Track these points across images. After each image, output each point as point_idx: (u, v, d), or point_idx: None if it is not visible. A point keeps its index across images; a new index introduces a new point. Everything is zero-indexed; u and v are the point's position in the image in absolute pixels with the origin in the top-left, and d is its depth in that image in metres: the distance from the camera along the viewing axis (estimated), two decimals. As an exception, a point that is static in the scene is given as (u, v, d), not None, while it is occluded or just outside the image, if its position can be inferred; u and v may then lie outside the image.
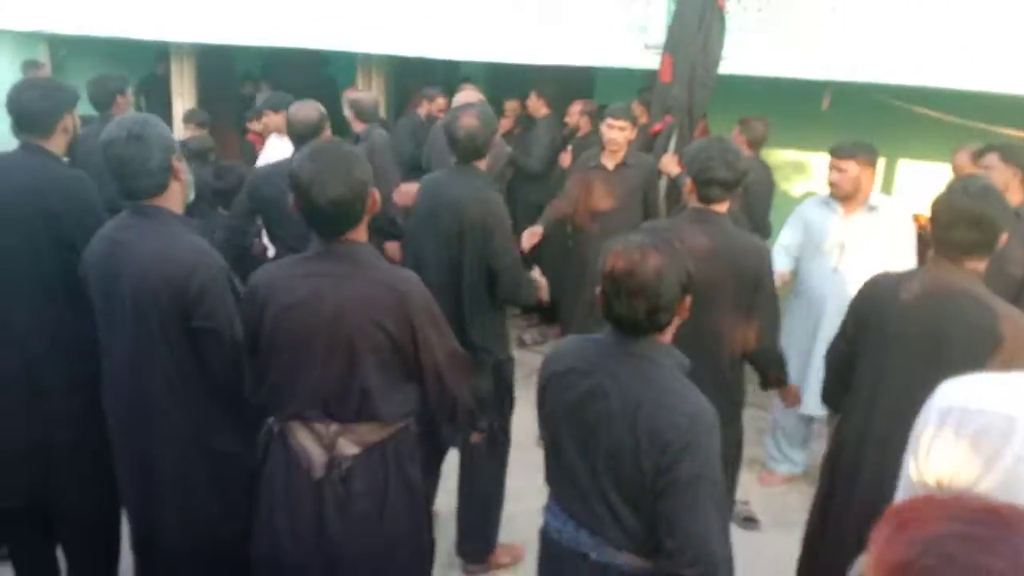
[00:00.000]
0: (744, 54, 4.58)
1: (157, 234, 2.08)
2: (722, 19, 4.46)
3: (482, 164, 2.96)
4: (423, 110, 6.03)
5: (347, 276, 1.87)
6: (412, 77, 7.27)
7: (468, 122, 2.85)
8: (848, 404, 2.37)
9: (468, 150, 2.88)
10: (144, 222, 2.11)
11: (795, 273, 3.79)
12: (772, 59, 4.55)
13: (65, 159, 2.67)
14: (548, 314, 5.49)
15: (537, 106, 5.60)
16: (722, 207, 2.61)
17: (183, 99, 6.94)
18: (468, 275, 2.88)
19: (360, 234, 1.93)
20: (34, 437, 2.42)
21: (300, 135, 3.44)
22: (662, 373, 1.66)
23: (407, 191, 3.76)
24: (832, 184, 3.49)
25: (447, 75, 7.01)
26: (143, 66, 8.00)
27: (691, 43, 4.43)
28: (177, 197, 2.19)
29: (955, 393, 1.04)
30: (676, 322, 1.71)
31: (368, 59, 6.32)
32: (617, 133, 4.18)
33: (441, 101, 5.88)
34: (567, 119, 5.68)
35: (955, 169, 3.54)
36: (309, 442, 1.91)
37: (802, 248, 3.71)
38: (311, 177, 1.81)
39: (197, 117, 5.64)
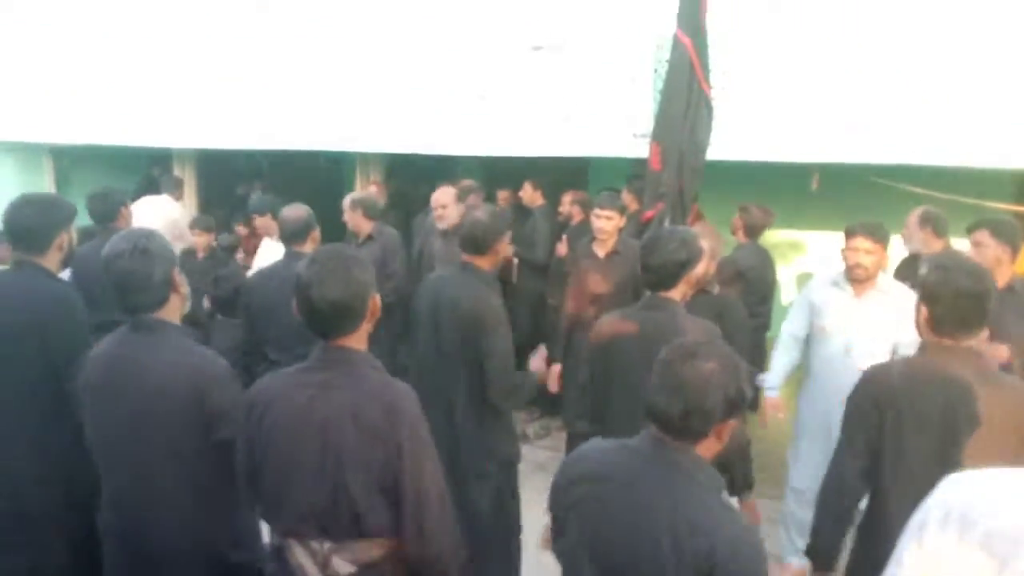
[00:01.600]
0: (731, 139, 4.71)
1: (167, 347, 2.09)
2: (708, 105, 4.59)
3: (485, 263, 3.00)
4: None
5: (338, 386, 1.84)
6: (409, 173, 7.45)
7: (476, 216, 2.94)
8: (870, 495, 2.33)
9: (471, 247, 2.95)
10: (148, 336, 2.11)
11: (804, 358, 3.77)
12: (758, 144, 4.67)
13: (61, 273, 2.71)
14: (551, 406, 5.44)
15: (533, 196, 5.74)
16: (671, 293, 2.65)
17: (184, 203, 7.08)
18: (467, 374, 2.89)
19: (359, 340, 1.91)
20: (19, 564, 2.36)
21: (290, 236, 3.51)
22: (697, 489, 1.56)
23: None
24: (857, 266, 3.43)
25: (444, 169, 7.17)
26: (141, 172, 8.20)
27: (678, 130, 4.54)
28: (176, 309, 2.21)
29: (960, 494, 1.02)
30: (714, 444, 1.62)
31: (366, 158, 6.47)
32: (605, 222, 4.31)
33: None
34: (560, 209, 5.79)
35: (905, 229, 3.59)
36: (305, 559, 1.85)
37: (810, 329, 3.67)
38: (311, 279, 1.82)
39: (203, 223, 5.75)
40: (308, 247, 3.47)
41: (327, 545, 1.84)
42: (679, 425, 1.59)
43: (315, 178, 8.15)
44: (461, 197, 5.08)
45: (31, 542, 2.39)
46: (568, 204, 5.72)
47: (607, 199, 4.43)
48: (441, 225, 4.55)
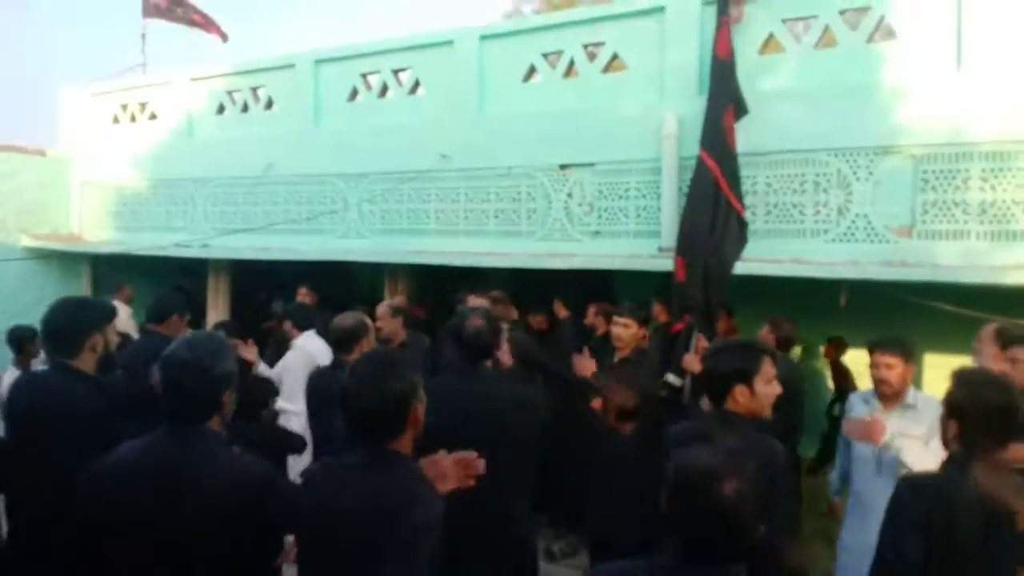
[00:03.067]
0: (758, 254, 4.79)
1: (212, 454, 2.03)
2: (741, 221, 4.69)
3: (489, 364, 3.10)
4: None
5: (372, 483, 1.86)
6: (436, 284, 7.56)
7: (473, 323, 3.02)
8: None
9: (475, 350, 3.02)
10: (185, 444, 2.03)
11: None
12: (784, 260, 4.74)
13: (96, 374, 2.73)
14: (575, 522, 5.29)
15: (559, 309, 5.83)
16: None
17: (217, 310, 7.25)
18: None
19: (403, 445, 1.91)
20: None
21: (336, 343, 3.63)
22: None
23: None
24: (881, 381, 3.45)
25: (471, 281, 7.28)
26: (171, 278, 8.49)
27: (703, 244, 4.64)
28: (216, 424, 2.13)
29: None
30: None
31: (395, 269, 6.63)
32: (622, 330, 4.42)
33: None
34: (585, 320, 5.83)
35: (978, 343, 3.54)
36: None
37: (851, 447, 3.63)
38: (351, 385, 1.87)
39: (227, 328, 5.88)
40: (355, 355, 3.51)
41: None
42: (723, 552, 1.55)
43: (336, 285, 8.32)
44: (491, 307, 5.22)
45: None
46: (592, 316, 5.77)
47: (626, 309, 4.54)
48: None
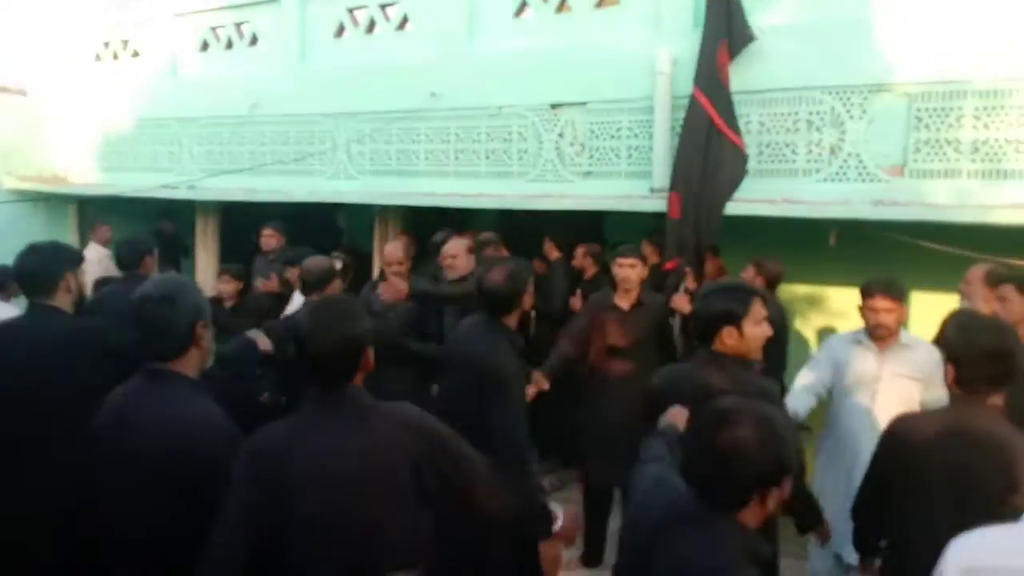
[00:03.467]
0: (749, 194, 4.77)
1: (169, 400, 2.06)
2: (741, 155, 4.65)
3: (511, 319, 3.01)
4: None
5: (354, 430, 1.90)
6: (427, 225, 7.52)
7: (494, 278, 2.95)
8: (888, 545, 2.33)
9: (492, 304, 2.96)
10: (156, 387, 2.10)
11: (828, 413, 3.75)
12: (777, 200, 4.73)
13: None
14: (566, 457, 5.40)
15: (550, 250, 5.78)
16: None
17: (207, 253, 7.22)
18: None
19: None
20: None
21: (311, 285, 3.60)
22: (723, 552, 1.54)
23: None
24: (878, 325, 3.45)
25: (461, 222, 7.25)
26: (156, 220, 8.48)
27: (696, 183, 4.62)
28: (195, 362, 2.18)
29: (979, 550, 1.02)
30: (758, 511, 1.59)
31: (385, 210, 6.58)
32: (629, 271, 4.28)
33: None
34: (573, 262, 5.83)
35: (967, 286, 3.56)
36: None
37: (832, 387, 3.65)
38: (308, 330, 1.92)
39: (232, 271, 5.85)
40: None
41: None
42: (711, 495, 1.60)
43: (327, 229, 8.27)
44: (478, 250, 5.15)
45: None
46: (581, 257, 5.77)
47: (628, 248, 4.42)
48: (451, 275, 4.61)
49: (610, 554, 4.23)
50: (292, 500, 1.80)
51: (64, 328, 2.69)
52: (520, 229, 6.48)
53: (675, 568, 1.57)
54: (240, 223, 7.74)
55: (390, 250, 4.90)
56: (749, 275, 4.52)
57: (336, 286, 3.74)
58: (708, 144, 4.57)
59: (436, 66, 6.12)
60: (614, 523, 4.35)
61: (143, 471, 1.98)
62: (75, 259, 2.88)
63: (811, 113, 4.75)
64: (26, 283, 2.73)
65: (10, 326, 2.77)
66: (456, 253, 4.64)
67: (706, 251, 4.80)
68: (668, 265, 4.66)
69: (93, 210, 8.63)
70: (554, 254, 5.83)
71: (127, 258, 3.97)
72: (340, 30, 6.81)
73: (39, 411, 2.53)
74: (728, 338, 2.46)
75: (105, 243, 7.49)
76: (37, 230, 8.29)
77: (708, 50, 4.72)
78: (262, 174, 7.02)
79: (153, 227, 8.23)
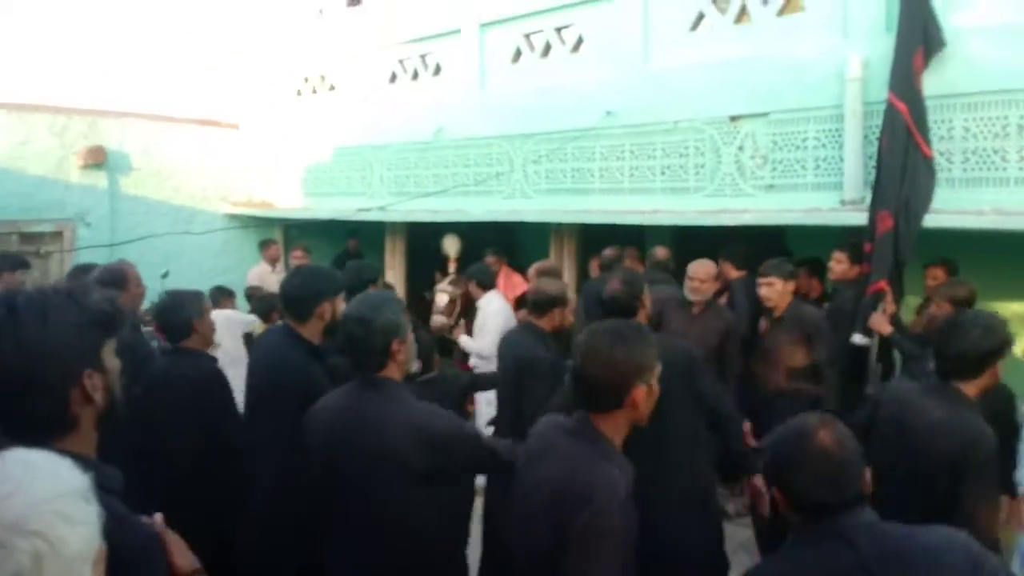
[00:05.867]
0: (955, 205, 4.42)
1: (386, 404, 2.28)
2: (931, 168, 4.35)
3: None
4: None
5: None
6: (600, 242, 7.58)
7: (613, 287, 3.06)
8: None
9: (613, 312, 2.99)
10: (371, 392, 2.31)
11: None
12: (986, 211, 4.34)
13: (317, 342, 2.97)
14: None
15: (727, 270, 5.58)
16: (965, 385, 2.46)
17: (394, 271, 7.68)
18: None
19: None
20: None
21: (538, 304, 3.78)
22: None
23: None
24: None
25: (635, 239, 7.24)
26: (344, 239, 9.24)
27: (896, 195, 4.36)
28: (394, 373, 2.37)
29: None
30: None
31: (560, 228, 6.70)
32: (766, 289, 4.35)
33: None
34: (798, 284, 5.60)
35: None
36: None
37: None
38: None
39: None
40: (545, 321, 3.70)
41: None
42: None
43: (505, 245, 8.54)
44: (603, 264, 5.54)
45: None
46: (806, 279, 5.60)
47: (770, 266, 4.42)
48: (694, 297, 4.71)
49: None
50: None
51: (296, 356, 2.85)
52: (697, 247, 6.37)
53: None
54: (422, 242, 8.19)
55: None
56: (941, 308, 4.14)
57: (564, 312, 3.84)
58: (907, 153, 4.29)
59: (611, 84, 6.17)
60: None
61: (387, 465, 2.19)
62: (336, 286, 2.99)
63: (1022, 117, 4.33)
64: (285, 306, 2.96)
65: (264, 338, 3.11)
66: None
67: (904, 266, 4.50)
68: (876, 286, 4.38)
69: (295, 232, 9.47)
70: (732, 273, 5.62)
71: (352, 284, 4.27)
72: (517, 55, 7.04)
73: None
74: (991, 377, 2.44)
75: (273, 261, 8.16)
76: (247, 251, 9.24)
77: (903, 53, 4.43)
78: (444, 196, 7.37)
79: (344, 249, 8.94)
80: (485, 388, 4.28)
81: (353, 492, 2.25)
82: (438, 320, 5.97)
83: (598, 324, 1.98)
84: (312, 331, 2.90)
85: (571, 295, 4.10)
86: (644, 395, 1.85)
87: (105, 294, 1.42)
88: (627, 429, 1.89)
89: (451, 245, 7.38)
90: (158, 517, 1.45)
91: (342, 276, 3.31)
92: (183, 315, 3.31)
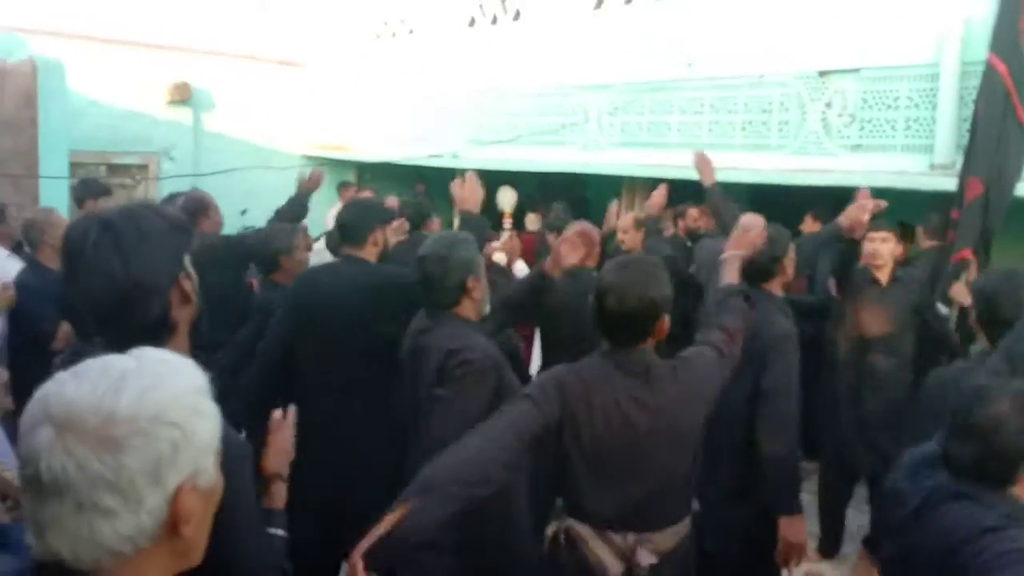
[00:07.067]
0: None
1: (448, 334, 2.38)
2: (1022, 132, 4.15)
3: (774, 286, 2.96)
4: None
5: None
6: (672, 199, 7.47)
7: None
8: None
9: (751, 272, 2.83)
10: (437, 325, 2.43)
11: None
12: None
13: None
14: (809, 449, 5.13)
15: (813, 229, 5.37)
16: None
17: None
18: None
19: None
20: None
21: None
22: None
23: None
24: None
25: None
26: (413, 183, 9.37)
27: (989, 165, 4.17)
28: (469, 310, 2.48)
29: None
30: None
31: (633, 182, 6.63)
32: (879, 245, 3.90)
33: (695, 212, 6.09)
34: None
35: None
36: (605, 553, 1.94)
37: None
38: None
39: None
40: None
41: (631, 537, 1.93)
42: (975, 473, 1.58)
43: (566, 197, 8.50)
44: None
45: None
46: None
47: (885, 221, 4.05)
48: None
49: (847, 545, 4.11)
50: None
51: (369, 275, 2.96)
52: (774, 207, 6.22)
53: (945, 534, 1.54)
54: (493, 193, 8.20)
55: None
56: None
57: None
58: (1004, 118, 4.08)
59: (693, 34, 6.01)
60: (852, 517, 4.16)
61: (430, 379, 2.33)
62: (384, 216, 3.19)
63: None
64: (343, 233, 3.07)
65: (324, 269, 3.16)
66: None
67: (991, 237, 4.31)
68: (961, 255, 4.22)
69: (369, 175, 9.63)
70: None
71: (412, 219, 4.59)
72: (599, 2, 6.90)
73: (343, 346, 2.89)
74: None
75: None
76: (325, 191, 9.42)
77: (1008, 13, 4.19)
78: (518, 145, 7.36)
79: (412, 193, 9.04)
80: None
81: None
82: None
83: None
84: (369, 256, 3.03)
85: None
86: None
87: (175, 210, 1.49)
88: None
89: (506, 197, 7.18)
90: (280, 413, 1.66)
91: (389, 209, 3.55)
92: (271, 248, 3.58)
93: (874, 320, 3.94)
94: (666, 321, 1.98)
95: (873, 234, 3.97)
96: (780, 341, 2.70)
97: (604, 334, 2.02)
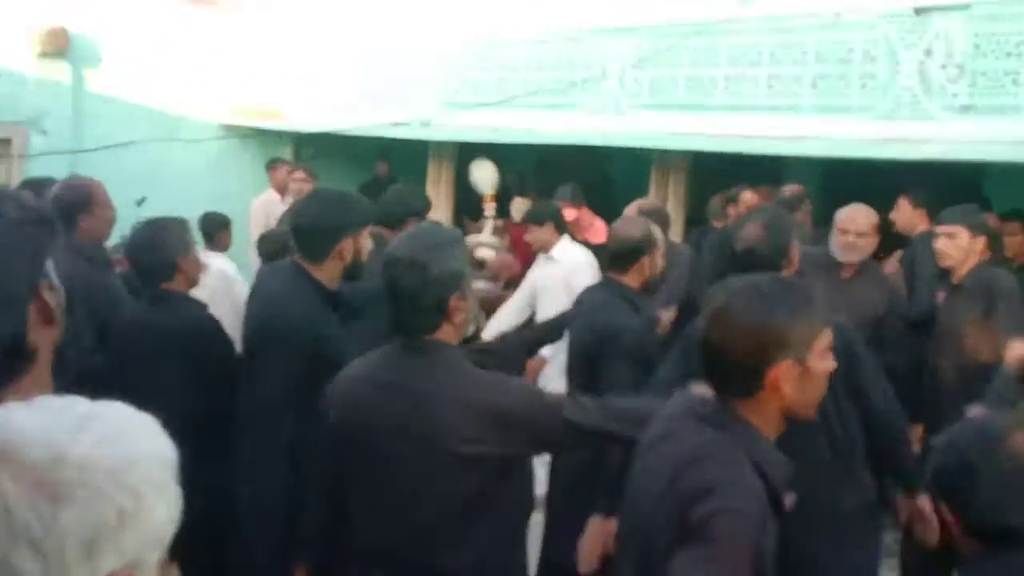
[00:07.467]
0: None
1: (438, 374, 2.23)
2: None
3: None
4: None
5: None
6: (719, 179, 7.39)
7: (751, 233, 2.95)
8: None
9: (748, 268, 2.84)
10: (418, 360, 2.25)
11: None
12: None
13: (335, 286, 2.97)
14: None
15: (912, 219, 5.25)
16: None
17: (438, 208, 7.67)
18: None
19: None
20: None
21: (616, 257, 3.72)
22: None
23: None
24: None
25: (769, 176, 7.02)
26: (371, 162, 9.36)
27: None
28: (448, 335, 2.28)
29: None
30: None
31: (666, 157, 6.52)
32: (945, 242, 4.13)
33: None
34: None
35: None
36: None
37: None
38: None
39: None
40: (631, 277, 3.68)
41: None
42: None
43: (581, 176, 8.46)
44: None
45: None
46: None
47: (954, 212, 4.21)
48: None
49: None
50: None
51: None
52: (851, 188, 6.16)
53: None
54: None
55: None
56: None
57: (652, 261, 3.78)
58: None
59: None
60: None
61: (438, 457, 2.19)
62: (360, 220, 2.96)
63: None
64: (297, 241, 2.93)
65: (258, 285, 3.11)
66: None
67: None
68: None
69: (309, 151, 9.48)
70: (919, 226, 5.17)
71: (387, 220, 4.29)
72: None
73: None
74: None
75: (283, 189, 7.98)
76: (249, 174, 9.26)
77: None
78: (509, 108, 7.26)
79: (373, 175, 8.95)
80: (555, 338, 4.21)
81: (388, 495, 2.24)
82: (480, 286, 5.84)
83: (738, 279, 1.96)
84: (328, 274, 2.88)
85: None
86: (791, 375, 1.78)
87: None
88: (778, 421, 1.89)
89: (483, 175, 6.93)
90: None
91: (371, 205, 3.31)
92: (165, 251, 3.34)
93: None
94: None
95: (937, 228, 4.16)
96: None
97: None
